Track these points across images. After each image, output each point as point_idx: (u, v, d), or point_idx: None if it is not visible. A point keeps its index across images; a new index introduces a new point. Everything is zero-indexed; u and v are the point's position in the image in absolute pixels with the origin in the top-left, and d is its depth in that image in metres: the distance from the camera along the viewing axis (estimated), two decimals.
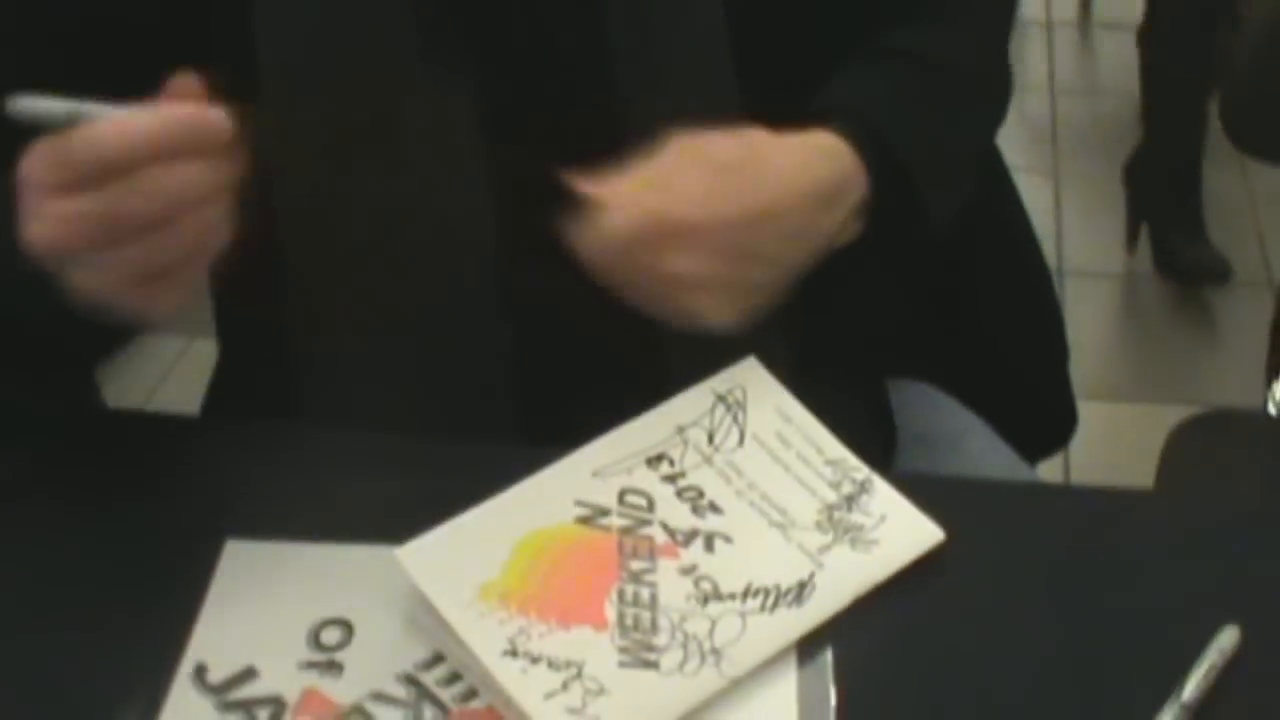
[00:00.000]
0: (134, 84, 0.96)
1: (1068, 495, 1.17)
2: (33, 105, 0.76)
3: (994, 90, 1.13)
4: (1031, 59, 3.45)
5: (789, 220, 0.92)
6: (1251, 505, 1.10)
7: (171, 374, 2.43)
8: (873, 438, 1.16)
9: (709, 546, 0.88)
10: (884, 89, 1.02)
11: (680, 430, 0.94)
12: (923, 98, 1.04)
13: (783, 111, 0.97)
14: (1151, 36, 2.70)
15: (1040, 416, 1.32)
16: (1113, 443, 2.28)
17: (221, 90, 0.82)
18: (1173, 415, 1.48)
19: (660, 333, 0.92)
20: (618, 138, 0.94)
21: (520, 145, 1.00)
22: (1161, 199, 2.69)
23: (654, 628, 0.82)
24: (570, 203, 0.89)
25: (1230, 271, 2.62)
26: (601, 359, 1.03)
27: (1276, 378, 1.63)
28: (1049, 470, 1.35)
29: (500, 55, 0.99)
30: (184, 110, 0.76)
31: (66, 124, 0.75)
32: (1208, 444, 1.50)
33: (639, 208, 0.87)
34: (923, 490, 0.91)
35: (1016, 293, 1.29)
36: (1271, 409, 1.62)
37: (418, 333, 1.02)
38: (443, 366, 1.03)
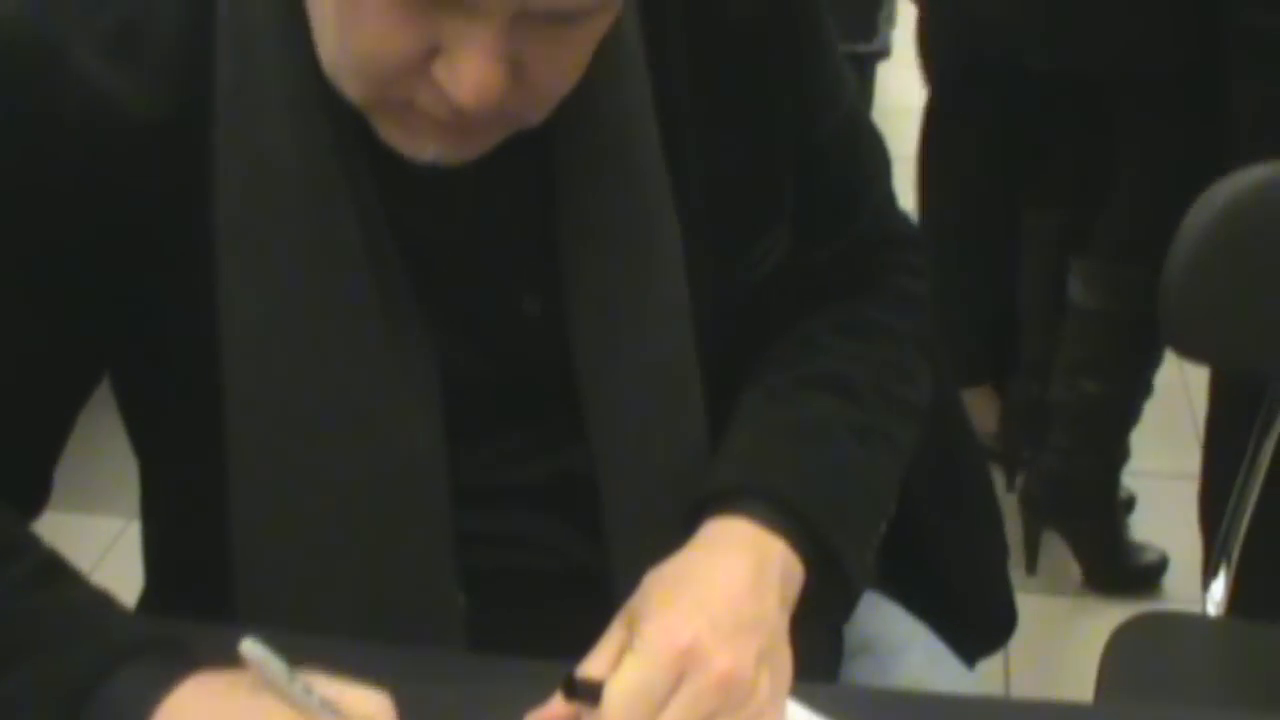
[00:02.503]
0: (94, 352, 1.01)
1: (1008, 709, 1.17)
2: (260, 652, 0.82)
3: (911, 405, 1.16)
4: None
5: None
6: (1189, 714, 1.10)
7: (110, 553, 2.41)
8: (821, 647, 1.17)
9: None
10: (815, 465, 1.06)
11: None
12: (842, 454, 1.08)
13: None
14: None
15: (980, 617, 1.32)
16: (1055, 638, 2.29)
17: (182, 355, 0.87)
18: (1115, 611, 1.49)
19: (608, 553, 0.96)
20: (577, 410, 1.01)
21: (479, 418, 1.03)
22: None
23: None
24: None
25: (1164, 565, 2.57)
26: (551, 586, 1.06)
27: (1213, 578, 1.65)
28: (989, 664, 1.35)
29: (463, 329, 1.02)
30: None
31: (286, 684, 0.82)
32: (1146, 648, 1.51)
33: None
34: (864, 706, 0.90)
35: (957, 498, 1.31)
36: (1210, 609, 1.64)
37: (366, 587, 1.02)
38: (391, 608, 1.03)
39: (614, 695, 0.88)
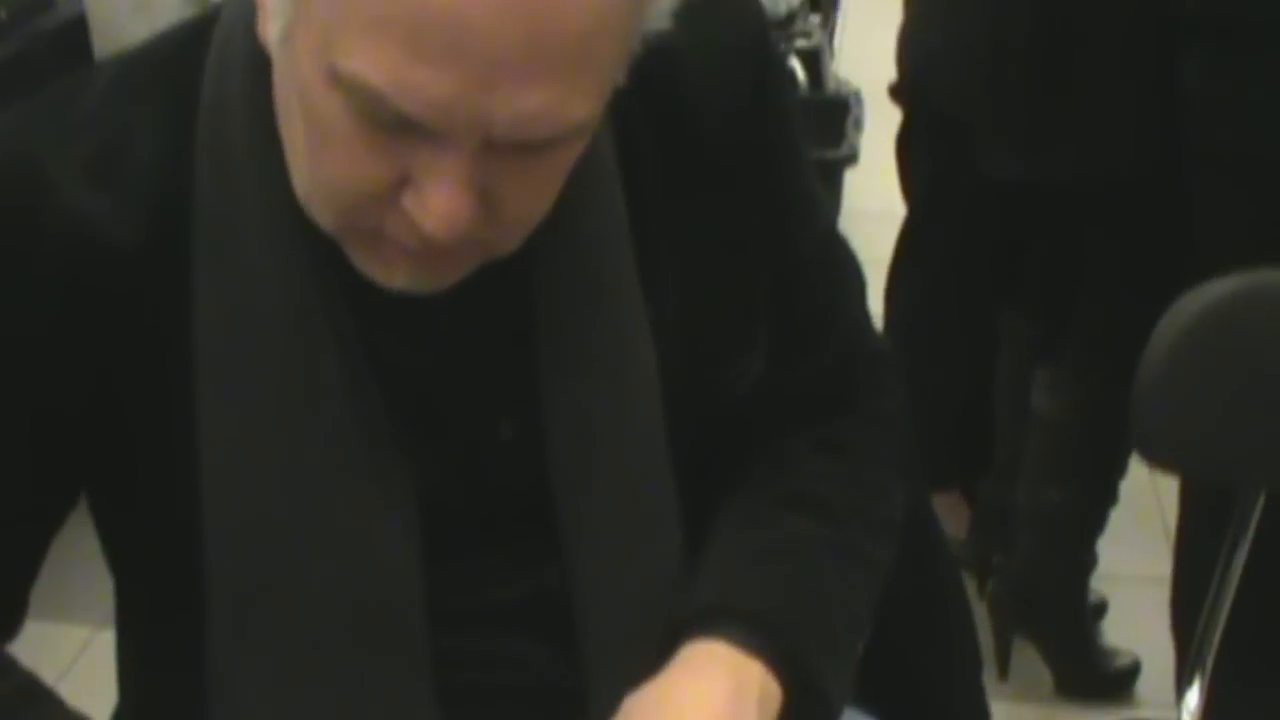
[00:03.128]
0: (72, 479, 1.01)
1: None
2: None
3: (887, 525, 1.17)
4: None
5: None
6: None
7: (78, 663, 2.38)
8: None
9: None
10: (792, 586, 1.06)
11: None
12: (821, 578, 1.08)
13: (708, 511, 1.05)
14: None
15: None
16: None
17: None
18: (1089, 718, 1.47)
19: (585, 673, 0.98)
20: (554, 531, 1.01)
21: (457, 539, 1.03)
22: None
23: None
24: None
25: (1137, 670, 2.55)
26: (528, 705, 1.07)
27: (1187, 686, 1.64)
28: None
29: (439, 452, 1.02)
30: None
31: None
32: None
33: None
34: None
35: (929, 605, 1.30)
36: (1185, 718, 1.63)
37: (343, 708, 1.01)
38: None
39: None
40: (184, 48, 0.99)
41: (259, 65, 0.92)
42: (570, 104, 0.82)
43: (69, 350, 0.95)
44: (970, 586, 2.52)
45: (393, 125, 0.81)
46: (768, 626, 1.01)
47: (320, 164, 0.87)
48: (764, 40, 1.10)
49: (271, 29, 0.86)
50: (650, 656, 1.00)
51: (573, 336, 1.01)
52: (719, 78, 1.05)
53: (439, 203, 0.83)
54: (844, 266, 1.18)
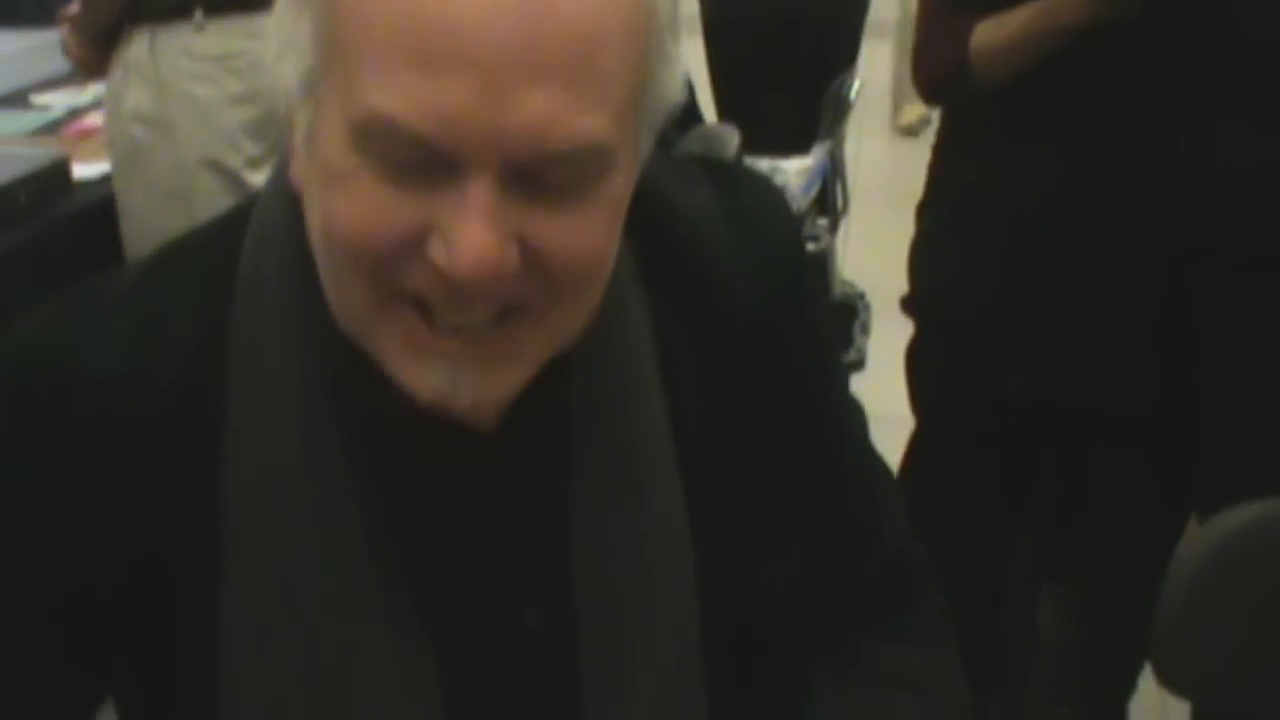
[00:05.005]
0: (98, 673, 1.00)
1: None
2: None
3: (967, 708, 1.17)
4: None
5: None
6: None
7: None
8: None
9: None
10: None
11: None
12: None
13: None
14: None
15: None
16: None
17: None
18: None
19: None
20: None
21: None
22: None
23: None
24: None
25: None
26: None
27: None
28: None
29: (462, 640, 1.00)
30: None
31: None
32: None
33: None
34: None
35: None
36: None
37: None
38: None
39: None
40: (223, 230, 1.00)
41: (295, 226, 0.93)
42: (578, 112, 0.83)
43: (102, 536, 0.95)
44: None
45: (414, 168, 0.82)
46: None
47: (342, 217, 0.85)
48: (798, 240, 1.12)
49: (297, 129, 0.89)
50: None
51: (606, 529, 0.99)
52: (756, 274, 1.05)
53: (464, 237, 0.82)
54: (883, 474, 1.19)
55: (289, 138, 0.92)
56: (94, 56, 2.69)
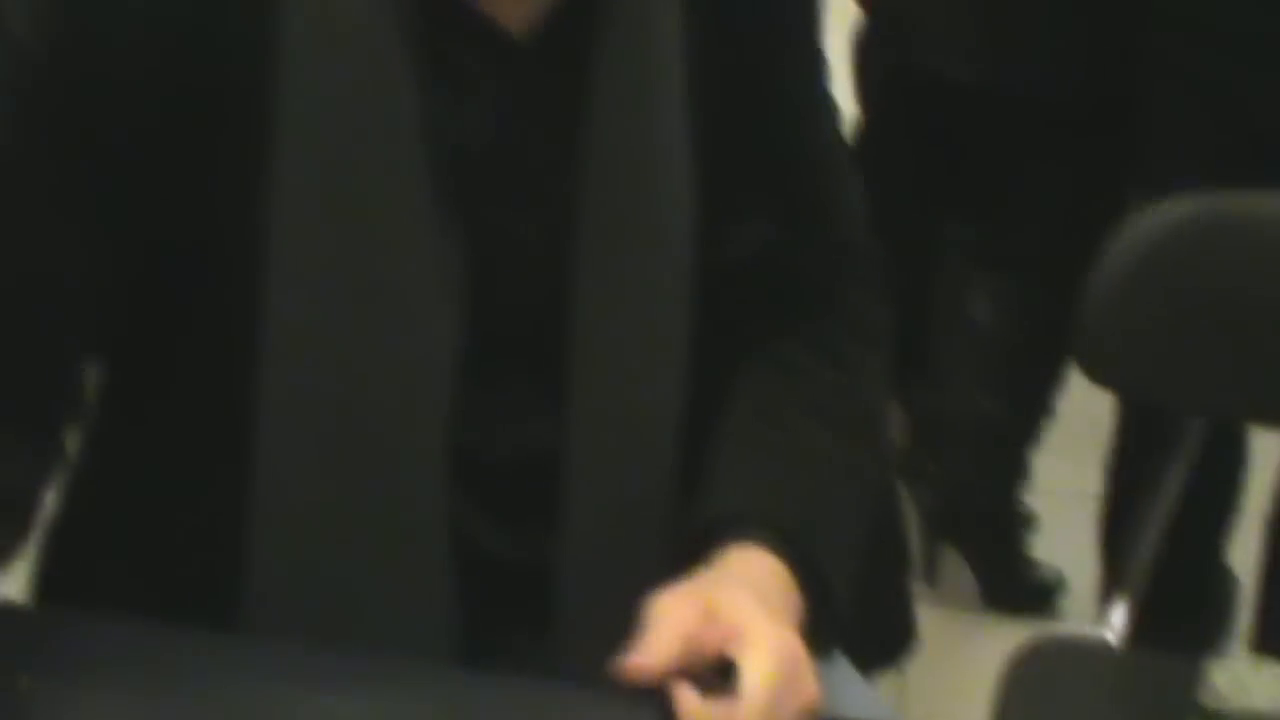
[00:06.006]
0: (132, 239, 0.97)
1: None
2: None
3: (886, 441, 1.20)
4: None
5: None
6: None
7: None
8: None
9: None
10: (811, 501, 1.07)
11: None
12: (841, 495, 1.09)
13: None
14: None
15: (880, 628, 1.32)
16: (953, 657, 2.29)
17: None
18: (1013, 630, 1.47)
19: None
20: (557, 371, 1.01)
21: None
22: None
23: None
24: None
25: (1059, 587, 2.58)
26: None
27: (1113, 605, 1.65)
28: (885, 686, 1.34)
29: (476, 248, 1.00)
30: None
31: None
32: (1044, 673, 1.51)
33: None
34: None
35: None
36: (1109, 637, 1.64)
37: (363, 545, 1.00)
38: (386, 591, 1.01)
39: (762, 683, 0.88)
40: None
41: None
42: None
43: (154, 71, 0.93)
44: (902, 493, 2.53)
45: None
46: (794, 543, 1.01)
47: None
48: None
49: None
50: (631, 525, 1.03)
51: (622, 145, 1.01)
52: None
53: None
54: (848, 167, 1.20)
55: None
56: None
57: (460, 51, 0.99)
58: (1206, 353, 1.47)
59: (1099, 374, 1.51)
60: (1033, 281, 2.39)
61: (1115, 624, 1.63)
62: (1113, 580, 1.71)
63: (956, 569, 2.56)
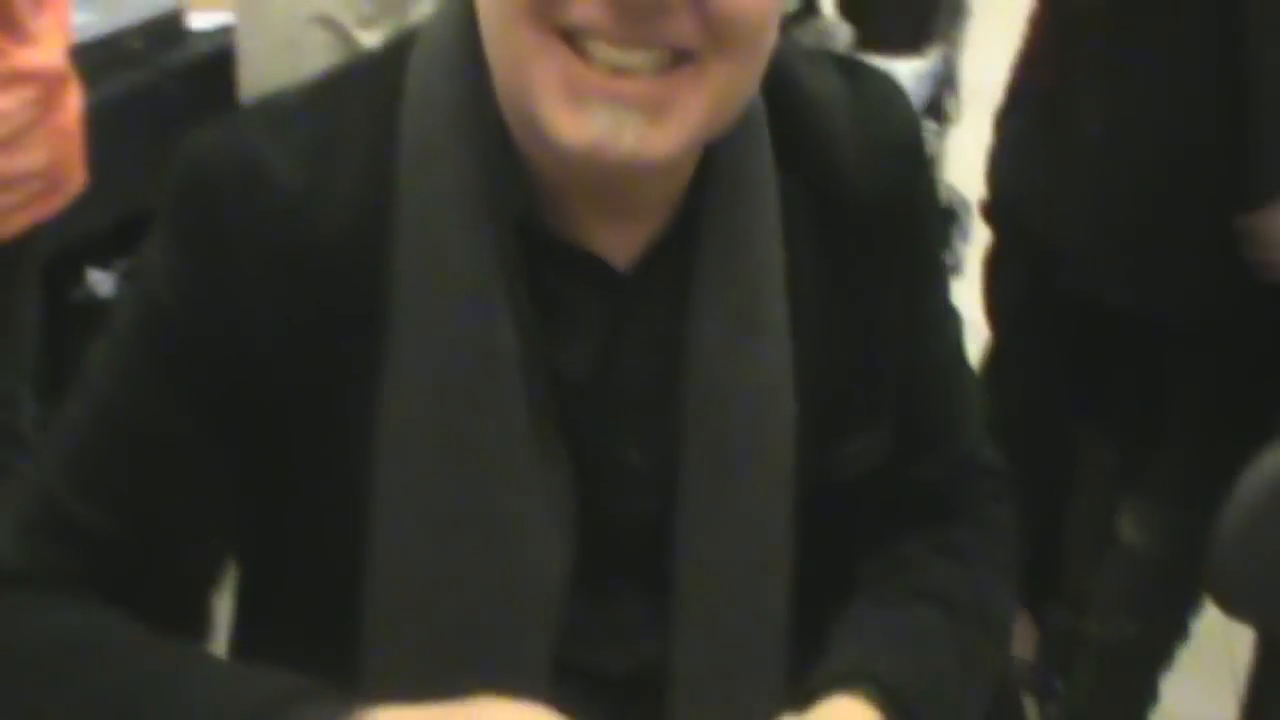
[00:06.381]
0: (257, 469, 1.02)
1: None
2: None
3: (1003, 631, 1.19)
4: None
5: None
6: None
7: None
8: None
9: None
10: (915, 665, 1.07)
11: None
12: (948, 667, 1.09)
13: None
14: None
15: None
16: None
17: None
18: None
19: None
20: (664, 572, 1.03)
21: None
22: None
23: None
24: None
25: None
26: None
27: None
28: None
29: (580, 470, 1.03)
30: None
31: None
32: None
33: None
34: None
35: None
36: None
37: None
38: None
39: None
40: (390, 52, 1.04)
41: (464, 40, 0.99)
42: None
43: (279, 326, 0.98)
44: (1031, 710, 2.50)
45: None
46: (902, 704, 1.01)
47: None
48: (919, 142, 1.14)
49: None
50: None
51: (723, 373, 1.03)
52: (874, 162, 1.09)
53: None
54: (969, 381, 1.21)
55: None
56: None
57: (562, 284, 1.01)
58: None
59: (1229, 603, 1.51)
60: (1179, 505, 2.36)
61: None
62: None
63: None
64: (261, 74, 2.69)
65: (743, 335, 1.03)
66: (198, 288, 0.98)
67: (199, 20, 2.92)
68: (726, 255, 1.02)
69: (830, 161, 1.07)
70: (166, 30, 2.81)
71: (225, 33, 2.85)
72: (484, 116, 0.98)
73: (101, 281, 3.24)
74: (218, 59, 2.83)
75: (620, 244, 1.02)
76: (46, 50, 1.97)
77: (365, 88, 1.03)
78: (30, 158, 1.95)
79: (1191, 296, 2.18)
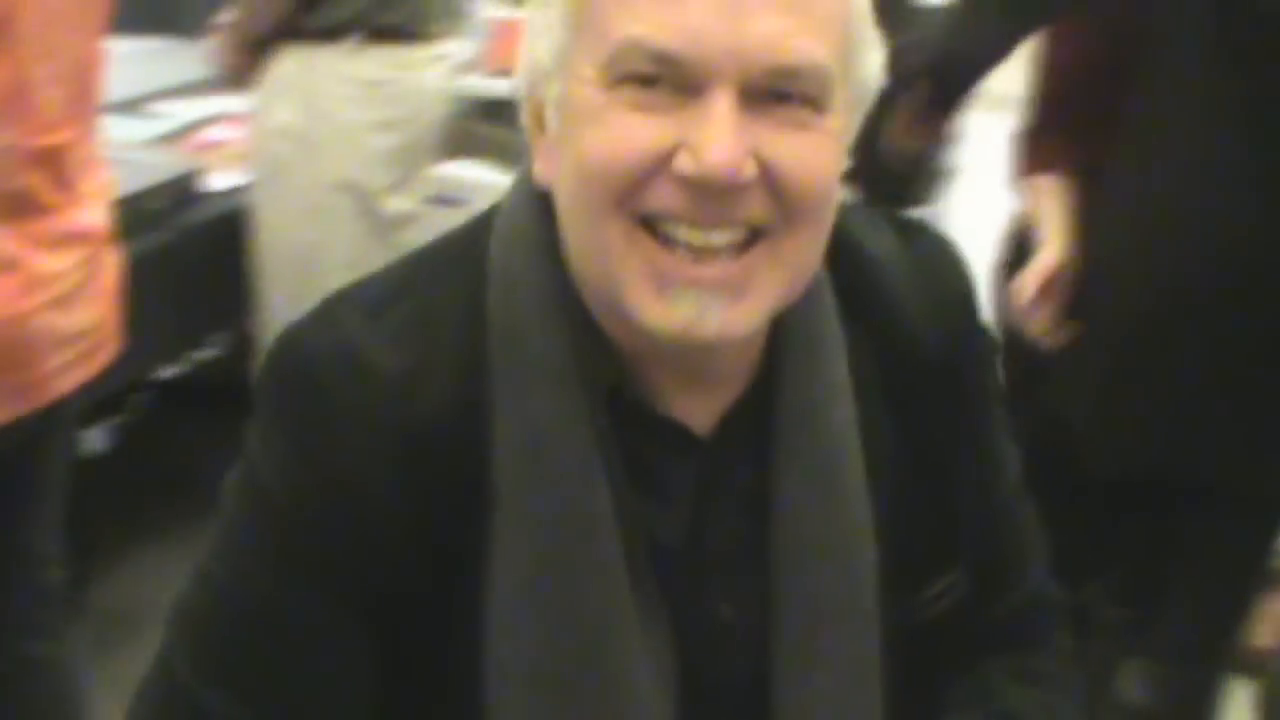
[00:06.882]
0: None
1: None
2: None
3: None
4: None
5: None
6: None
7: None
8: None
9: None
10: None
11: None
12: None
13: None
14: None
15: None
16: None
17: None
18: None
19: None
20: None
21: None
22: None
23: None
24: None
25: None
26: None
27: None
28: None
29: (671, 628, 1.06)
30: None
31: None
32: None
33: None
34: None
35: None
36: None
37: None
38: None
39: None
40: (468, 233, 1.09)
41: (542, 225, 1.03)
42: (803, 33, 0.94)
43: (389, 512, 1.01)
44: None
45: (660, 91, 0.94)
46: None
47: (598, 157, 0.95)
48: (974, 300, 1.20)
49: (547, 110, 1.01)
50: None
51: (808, 529, 1.07)
52: (934, 320, 1.15)
53: (710, 139, 0.93)
54: (1032, 515, 1.26)
55: (534, 139, 1.05)
56: (246, 65, 2.76)
57: (650, 451, 1.06)
58: None
59: None
60: (1185, 662, 2.38)
61: None
62: None
63: None
64: (282, 239, 2.71)
65: (823, 490, 1.08)
66: (310, 478, 1.01)
67: (216, 181, 2.94)
68: (802, 413, 1.07)
69: (892, 316, 1.13)
70: (184, 191, 2.81)
71: (238, 193, 2.90)
72: (568, 297, 1.03)
73: (95, 438, 3.22)
74: (231, 219, 2.85)
75: (700, 409, 1.07)
76: (93, 211, 1.98)
77: (449, 273, 1.07)
78: (80, 317, 1.95)
79: (1209, 464, 2.18)
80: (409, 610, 1.02)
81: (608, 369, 1.03)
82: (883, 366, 1.12)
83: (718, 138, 0.92)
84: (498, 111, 3.23)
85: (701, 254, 0.95)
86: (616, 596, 1.02)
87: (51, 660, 2.09)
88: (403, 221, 2.82)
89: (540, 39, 1.00)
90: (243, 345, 2.94)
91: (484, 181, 3.09)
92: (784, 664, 1.07)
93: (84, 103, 1.91)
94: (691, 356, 1.03)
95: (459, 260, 1.07)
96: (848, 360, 1.10)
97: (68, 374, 1.94)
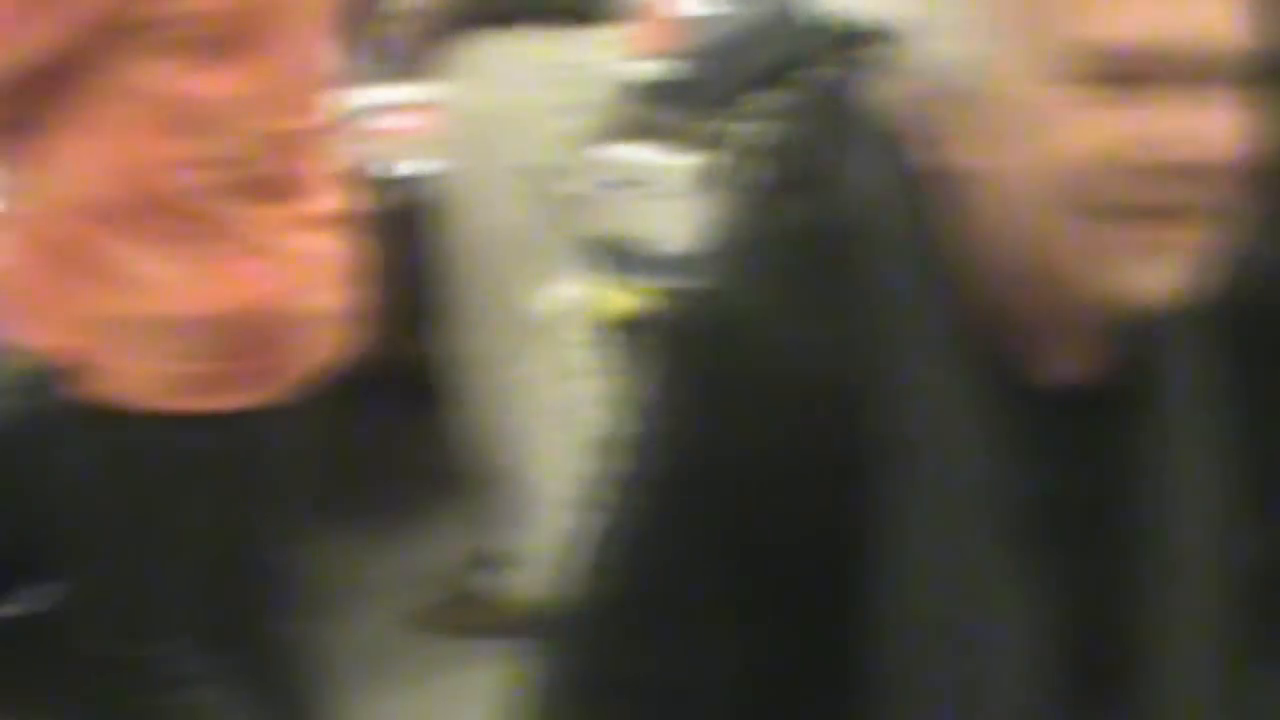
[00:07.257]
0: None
1: None
2: None
3: None
4: None
5: None
6: None
7: None
8: None
9: None
10: None
11: None
12: None
13: None
14: None
15: None
16: None
17: None
18: None
19: None
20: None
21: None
22: None
23: None
24: None
25: None
26: None
27: None
28: None
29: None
30: None
31: None
32: None
33: None
34: None
35: None
36: None
37: None
38: None
39: None
40: (811, 207, 1.07)
41: (920, 213, 1.03)
42: (1233, 19, 0.96)
43: (790, 469, 1.02)
44: None
45: (1145, 85, 0.94)
46: None
47: (1089, 155, 0.95)
48: None
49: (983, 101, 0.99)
50: None
51: (1171, 486, 1.07)
52: None
53: (1208, 126, 0.95)
54: None
55: (954, 124, 1.01)
56: (428, 52, 2.84)
57: (1031, 415, 1.05)
58: None
59: None
60: None
61: None
62: None
63: None
64: (462, 222, 2.76)
65: (1194, 449, 1.08)
66: (721, 433, 1.02)
67: (404, 167, 3.01)
68: (1174, 373, 1.06)
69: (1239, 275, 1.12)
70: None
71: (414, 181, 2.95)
72: (950, 264, 1.03)
73: None
74: (407, 206, 2.91)
75: (1077, 372, 1.06)
76: (337, 195, 2.03)
77: (807, 246, 1.06)
78: (327, 300, 2.00)
79: None
80: (804, 585, 1.03)
81: (990, 337, 1.03)
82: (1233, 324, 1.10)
83: (1214, 125, 0.95)
84: (661, 94, 3.28)
85: (1168, 221, 0.97)
86: (1010, 562, 1.03)
87: (297, 642, 2.14)
88: (575, 205, 2.87)
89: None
90: (424, 332, 2.99)
91: (652, 164, 3.11)
92: (1149, 618, 1.07)
93: (319, 88, 1.96)
94: (1108, 322, 1.04)
95: (813, 237, 1.06)
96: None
97: (315, 357, 1.97)
